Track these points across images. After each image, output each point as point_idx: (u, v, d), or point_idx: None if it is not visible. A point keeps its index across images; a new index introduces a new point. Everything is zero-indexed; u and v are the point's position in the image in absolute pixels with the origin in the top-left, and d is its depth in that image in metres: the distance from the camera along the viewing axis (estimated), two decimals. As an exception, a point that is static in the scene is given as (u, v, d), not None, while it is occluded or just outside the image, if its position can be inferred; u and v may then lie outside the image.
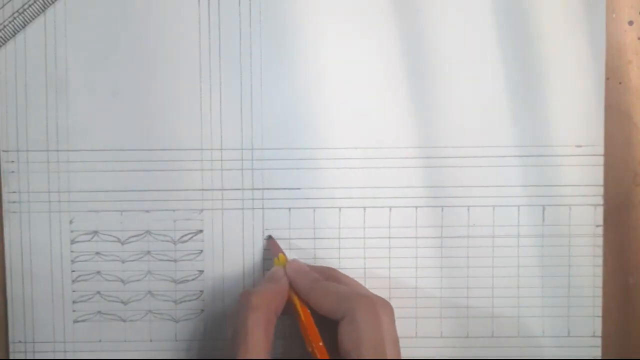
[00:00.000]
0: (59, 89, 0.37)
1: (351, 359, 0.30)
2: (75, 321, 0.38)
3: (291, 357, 0.36)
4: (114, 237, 0.37)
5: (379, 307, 0.31)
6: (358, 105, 0.37)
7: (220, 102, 0.37)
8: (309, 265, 0.36)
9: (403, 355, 0.32)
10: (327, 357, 0.31)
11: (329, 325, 0.32)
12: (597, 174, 0.38)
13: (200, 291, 0.38)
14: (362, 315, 0.30)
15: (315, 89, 0.37)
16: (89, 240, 0.37)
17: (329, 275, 0.35)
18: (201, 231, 0.38)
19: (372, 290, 0.35)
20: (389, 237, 0.38)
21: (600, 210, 0.38)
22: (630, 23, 0.38)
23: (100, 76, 0.37)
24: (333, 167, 0.37)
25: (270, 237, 0.37)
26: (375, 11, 0.37)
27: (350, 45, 0.37)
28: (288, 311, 0.34)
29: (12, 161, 0.37)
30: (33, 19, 0.37)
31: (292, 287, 0.34)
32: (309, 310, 0.33)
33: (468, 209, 0.38)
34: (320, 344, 0.31)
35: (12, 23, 0.36)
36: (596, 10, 0.37)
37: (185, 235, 0.38)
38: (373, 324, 0.30)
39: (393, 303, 0.36)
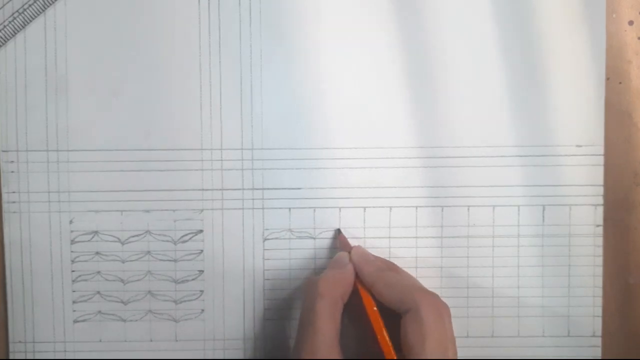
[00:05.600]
0: (59, 89, 0.37)
1: (412, 359, 0.30)
2: (75, 321, 0.38)
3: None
4: (114, 237, 0.37)
5: (442, 307, 0.31)
6: (358, 105, 0.37)
7: (220, 102, 0.37)
8: (372, 254, 0.35)
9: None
10: (391, 349, 0.31)
11: (388, 316, 0.32)
12: (597, 174, 0.38)
13: (200, 291, 0.38)
14: (427, 312, 0.30)
15: (315, 89, 0.37)
16: (89, 240, 0.37)
17: (390, 267, 0.35)
18: (201, 231, 0.38)
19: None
20: (389, 237, 0.38)
21: (600, 210, 0.38)
22: (630, 23, 0.38)
23: (100, 76, 0.37)
24: (333, 167, 0.37)
25: (339, 232, 0.37)
26: (376, 11, 0.37)
27: (350, 45, 0.37)
28: (348, 302, 0.33)
29: (12, 161, 0.37)
30: (33, 19, 0.37)
31: (356, 274, 0.33)
32: (372, 299, 0.32)
33: (468, 209, 0.38)
34: (385, 333, 0.31)
35: (12, 23, 0.36)
36: (596, 10, 0.37)
37: (185, 235, 0.38)
38: (437, 322, 0.30)
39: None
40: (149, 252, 0.38)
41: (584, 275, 0.38)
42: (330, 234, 0.38)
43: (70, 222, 0.37)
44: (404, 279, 0.33)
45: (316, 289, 0.32)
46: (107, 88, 0.37)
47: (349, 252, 0.35)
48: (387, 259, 0.37)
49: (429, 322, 0.30)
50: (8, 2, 0.36)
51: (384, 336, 0.31)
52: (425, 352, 0.30)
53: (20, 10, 0.36)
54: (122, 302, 0.38)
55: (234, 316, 0.38)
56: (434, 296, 0.32)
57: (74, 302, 0.38)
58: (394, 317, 0.31)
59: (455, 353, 0.31)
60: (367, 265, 0.34)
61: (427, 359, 0.29)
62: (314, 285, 0.32)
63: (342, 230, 0.37)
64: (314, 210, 0.38)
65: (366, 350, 0.32)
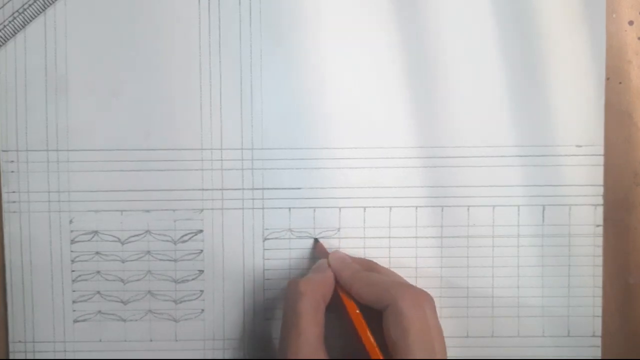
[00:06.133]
0: (59, 89, 0.37)
1: (398, 359, 0.30)
2: (75, 321, 0.38)
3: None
4: (114, 237, 0.37)
5: (421, 298, 0.31)
6: (358, 105, 0.37)
7: (220, 102, 0.37)
8: (350, 257, 0.36)
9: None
10: (377, 350, 0.31)
11: (370, 316, 0.32)
12: (597, 174, 0.38)
13: (200, 291, 0.38)
14: (405, 305, 0.30)
15: (315, 88, 0.37)
16: (89, 240, 0.37)
17: (369, 267, 0.36)
18: (201, 231, 0.38)
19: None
20: (389, 237, 0.38)
21: (600, 210, 0.38)
22: (630, 23, 0.38)
23: (100, 76, 0.37)
24: (333, 167, 0.37)
25: (317, 241, 0.37)
26: (376, 11, 0.37)
27: (350, 44, 0.37)
28: (333, 306, 0.33)
29: (12, 161, 0.37)
30: (33, 19, 0.37)
31: (335, 278, 0.34)
32: (354, 302, 0.33)
33: (468, 209, 0.38)
34: (369, 335, 0.31)
35: (12, 23, 0.36)
36: (596, 10, 0.37)
37: (185, 235, 0.38)
38: (417, 313, 0.30)
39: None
40: (149, 252, 0.38)
41: (584, 275, 0.38)
42: (331, 233, 0.38)
43: (70, 222, 0.37)
44: (382, 277, 0.33)
45: (297, 289, 0.32)
46: (107, 88, 0.37)
47: (327, 258, 0.35)
48: (387, 258, 0.37)
49: (409, 314, 0.30)
50: (8, 2, 0.36)
51: (368, 337, 0.31)
52: (409, 346, 0.29)
53: (20, 10, 0.36)
54: (122, 302, 0.38)
55: (234, 316, 0.38)
56: (412, 288, 0.32)
57: (74, 302, 0.38)
58: (379, 317, 0.31)
59: (442, 342, 0.31)
60: (344, 269, 0.34)
61: (413, 359, 0.29)
62: (295, 286, 0.32)
63: (342, 230, 0.37)
64: (314, 210, 0.38)
65: (354, 352, 0.32)
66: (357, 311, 0.32)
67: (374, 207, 0.38)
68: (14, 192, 0.37)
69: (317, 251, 0.37)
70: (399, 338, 0.30)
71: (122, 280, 0.38)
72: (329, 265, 0.34)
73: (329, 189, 0.38)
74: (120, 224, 0.37)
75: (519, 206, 0.38)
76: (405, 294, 0.31)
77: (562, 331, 0.38)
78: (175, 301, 0.38)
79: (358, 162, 0.37)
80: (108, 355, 0.38)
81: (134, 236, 0.37)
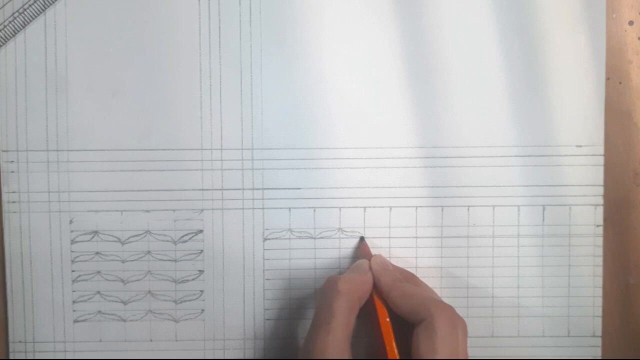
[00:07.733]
0: (59, 89, 0.37)
1: None
2: (75, 321, 0.38)
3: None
4: (114, 237, 0.37)
5: (457, 320, 0.31)
6: (358, 105, 0.37)
7: (220, 102, 0.37)
8: (392, 264, 0.36)
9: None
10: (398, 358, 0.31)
11: (401, 326, 0.32)
12: (597, 174, 0.38)
13: (200, 291, 0.38)
14: (440, 324, 0.30)
15: (316, 88, 0.37)
16: (89, 240, 0.37)
17: (408, 278, 0.35)
18: (201, 231, 0.38)
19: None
20: (389, 237, 0.38)
21: (600, 210, 0.38)
22: (631, 23, 0.38)
23: (100, 76, 0.37)
24: (333, 167, 0.37)
25: (363, 240, 0.37)
26: (376, 11, 0.37)
27: (351, 45, 0.37)
28: (363, 307, 0.33)
29: (12, 161, 0.37)
30: (33, 19, 0.37)
31: (374, 282, 0.34)
32: (386, 309, 0.33)
33: (468, 209, 0.38)
34: (394, 345, 0.31)
35: (12, 23, 0.36)
36: (596, 10, 0.37)
37: (185, 235, 0.38)
38: (450, 335, 0.30)
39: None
40: (149, 252, 0.38)
41: (584, 275, 0.38)
42: (331, 233, 0.38)
43: (70, 222, 0.37)
44: (421, 291, 0.33)
45: (335, 287, 0.32)
46: (107, 88, 0.37)
47: (369, 260, 0.35)
48: (387, 259, 0.37)
49: (442, 333, 0.30)
50: (8, 2, 0.36)
51: (392, 347, 0.31)
52: None
53: (20, 10, 0.36)
54: (122, 302, 0.38)
55: (234, 316, 0.38)
56: (450, 309, 0.31)
57: (74, 302, 0.38)
58: (407, 328, 0.31)
59: None
60: (384, 275, 0.34)
61: None
62: (333, 284, 0.32)
63: (343, 230, 0.37)
64: (314, 210, 0.38)
65: (375, 356, 0.32)
66: (387, 319, 0.32)
67: (374, 207, 0.38)
68: (14, 192, 0.37)
69: (361, 251, 0.37)
70: (427, 355, 0.30)
71: (122, 280, 0.38)
72: (370, 268, 0.34)
73: (329, 189, 0.38)
74: (120, 224, 0.37)
75: (519, 206, 0.38)
76: (442, 313, 0.31)
77: (562, 331, 0.38)
78: (175, 301, 0.38)
79: (358, 162, 0.37)
80: (108, 355, 0.38)
81: (134, 236, 0.37)
